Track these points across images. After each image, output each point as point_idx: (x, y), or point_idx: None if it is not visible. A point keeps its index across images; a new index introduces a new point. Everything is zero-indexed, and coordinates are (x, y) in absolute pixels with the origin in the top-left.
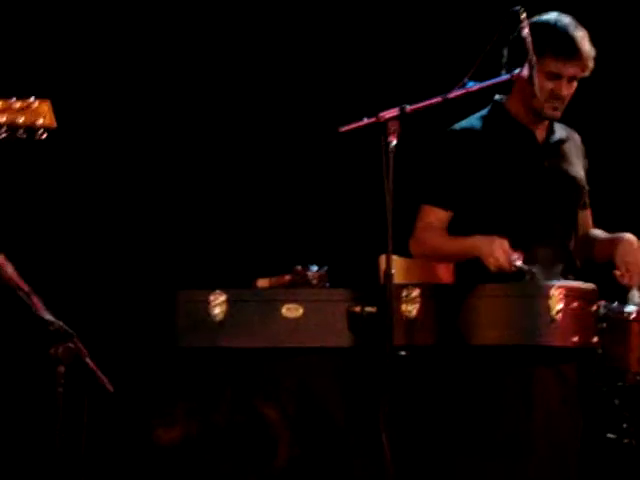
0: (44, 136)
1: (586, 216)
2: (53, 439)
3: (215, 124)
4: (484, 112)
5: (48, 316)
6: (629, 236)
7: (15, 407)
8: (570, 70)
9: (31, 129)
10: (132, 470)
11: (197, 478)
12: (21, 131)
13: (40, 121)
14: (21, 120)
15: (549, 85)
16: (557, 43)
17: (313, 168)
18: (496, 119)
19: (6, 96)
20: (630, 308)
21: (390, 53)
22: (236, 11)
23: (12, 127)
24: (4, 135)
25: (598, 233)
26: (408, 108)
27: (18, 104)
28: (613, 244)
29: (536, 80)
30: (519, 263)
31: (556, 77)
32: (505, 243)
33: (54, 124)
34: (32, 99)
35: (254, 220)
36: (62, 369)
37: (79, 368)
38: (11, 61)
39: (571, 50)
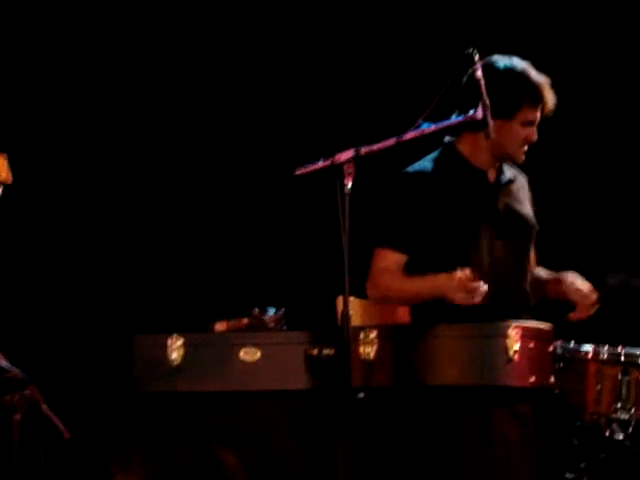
0: None
1: (533, 255)
2: None
3: (173, 166)
4: (435, 154)
5: (4, 362)
6: (571, 273)
7: None
8: (538, 115)
9: None
10: None
11: None
12: None
13: None
14: None
15: (523, 132)
16: (532, 93)
17: (270, 210)
18: (448, 161)
19: None
20: (586, 347)
21: (346, 94)
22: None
23: None
24: None
25: (543, 272)
26: (363, 150)
27: None
28: (560, 282)
29: (490, 122)
30: (485, 288)
31: (530, 124)
32: (468, 274)
33: (10, 180)
34: None
35: (211, 263)
36: (18, 417)
37: (35, 415)
38: None
39: (541, 98)
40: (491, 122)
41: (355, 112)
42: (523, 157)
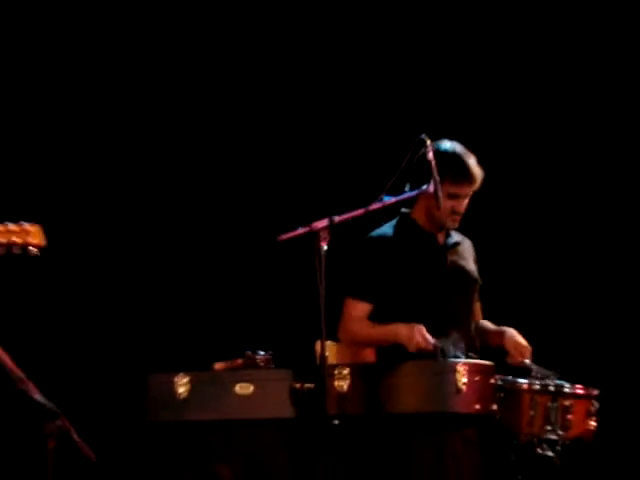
0: (36, 253)
1: (478, 307)
2: None
3: (174, 220)
4: (394, 222)
5: (40, 398)
6: (511, 329)
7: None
8: (465, 190)
9: (25, 247)
10: None
11: None
12: (16, 249)
13: (33, 241)
14: (17, 240)
15: (449, 204)
16: (455, 170)
17: (260, 269)
18: (404, 227)
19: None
20: (521, 381)
21: (319, 171)
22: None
23: (9, 246)
24: (2, 252)
25: (487, 324)
26: (336, 219)
27: (13, 227)
28: (502, 335)
29: (440, 195)
30: (433, 342)
31: (455, 197)
32: (422, 328)
33: (43, 243)
34: (25, 224)
35: (211, 313)
36: (53, 444)
37: (67, 443)
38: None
39: (466, 175)
40: (440, 195)
41: (325, 186)
42: (453, 224)
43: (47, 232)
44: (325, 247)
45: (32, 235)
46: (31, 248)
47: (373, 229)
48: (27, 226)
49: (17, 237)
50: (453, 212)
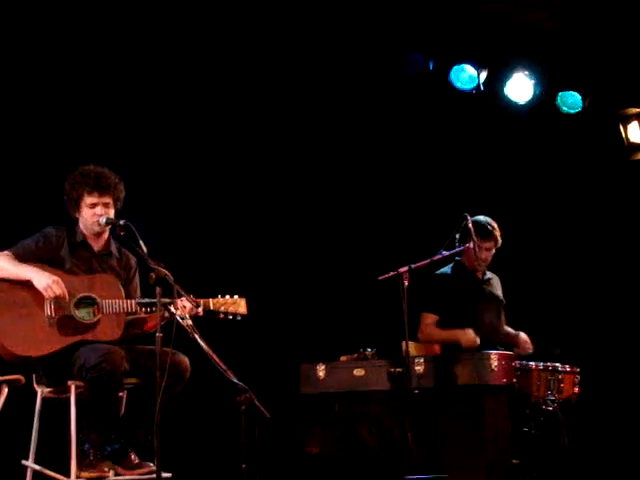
0: (238, 318)
1: (503, 318)
2: (240, 446)
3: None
4: (451, 265)
5: (235, 379)
6: (522, 333)
7: (217, 431)
8: (487, 245)
9: (234, 315)
10: (285, 470)
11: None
12: (228, 316)
13: (239, 310)
14: (230, 309)
15: (481, 255)
16: (479, 231)
17: (368, 299)
18: (457, 268)
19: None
20: (531, 363)
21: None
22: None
23: (225, 313)
24: (222, 316)
25: (509, 329)
26: (413, 266)
27: (229, 299)
28: (517, 337)
29: (477, 250)
30: (477, 340)
31: (486, 250)
32: (471, 332)
33: (246, 312)
34: (236, 297)
35: (340, 324)
36: (243, 408)
37: (251, 406)
38: None
39: (488, 234)
40: (477, 249)
41: (403, 246)
42: (482, 268)
43: None
44: (407, 284)
45: (239, 305)
46: (237, 316)
47: (435, 271)
48: (237, 299)
49: (230, 306)
50: (481, 260)
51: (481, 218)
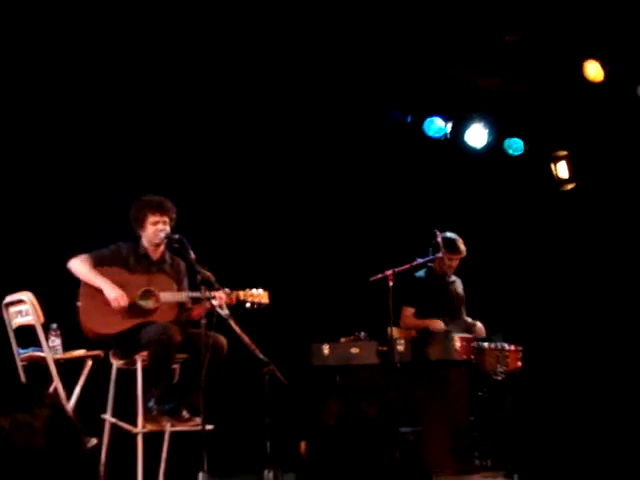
0: (262, 307)
1: (464, 311)
2: (264, 405)
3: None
4: (425, 269)
5: (261, 356)
6: (478, 322)
7: (247, 394)
8: (454, 256)
9: (259, 304)
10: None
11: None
12: (254, 305)
13: (262, 300)
14: (255, 300)
15: (449, 262)
16: (447, 246)
17: (361, 294)
18: (430, 273)
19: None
20: (485, 344)
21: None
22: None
23: (251, 302)
24: (248, 306)
25: (468, 319)
26: (396, 270)
27: (255, 292)
28: (474, 325)
29: (446, 259)
30: (445, 327)
31: (451, 260)
32: (440, 322)
33: (268, 302)
34: (260, 290)
35: (341, 313)
36: (267, 378)
37: (274, 377)
38: None
39: (455, 249)
40: (446, 257)
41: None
42: (450, 274)
43: None
44: (391, 283)
45: (262, 297)
46: (259, 306)
47: (413, 274)
48: (260, 291)
49: (255, 297)
50: (450, 267)
51: (449, 234)
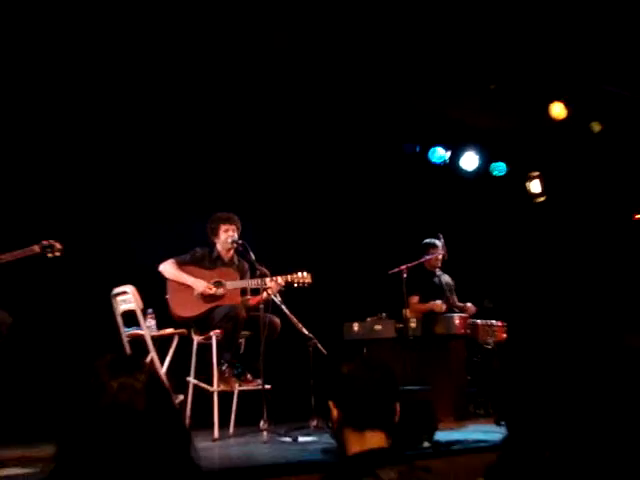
0: (307, 286)
1: (454, 296)
2: (309, 370)
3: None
4: (420, 267)
5: (305, 331)
6: (469, 304)
7: (296, 362)
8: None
9: (304, 283)
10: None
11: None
12: (300, 284)
13: (307, 280)
14: (301, 280)
15: (433, 261)
16: (430, 247)
17: (381, 284)
18: (424, 270)
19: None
20: (478, 321)
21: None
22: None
23: (298, 282)
24: (296, 285)
25: (459, 303)
26: (409, 265)
27: (300, 274)
28: (465, 306)
29: (432, 259)
30: (445, 308)
31: (436, 260)
32: (442, 304)
33: (311, 282)
34: (305, 272)
35: (367, 298)
36: (310, 349)
37: (314, 348)
38: None
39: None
40: (432, 260)
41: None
42: (435, 270)
43: None
44: (405, 276)
45: (306, 278)
46: (304, 284)
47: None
48: (305, 273)
49: (300, 279)
50: (437, 267)
51: (429, 240)
